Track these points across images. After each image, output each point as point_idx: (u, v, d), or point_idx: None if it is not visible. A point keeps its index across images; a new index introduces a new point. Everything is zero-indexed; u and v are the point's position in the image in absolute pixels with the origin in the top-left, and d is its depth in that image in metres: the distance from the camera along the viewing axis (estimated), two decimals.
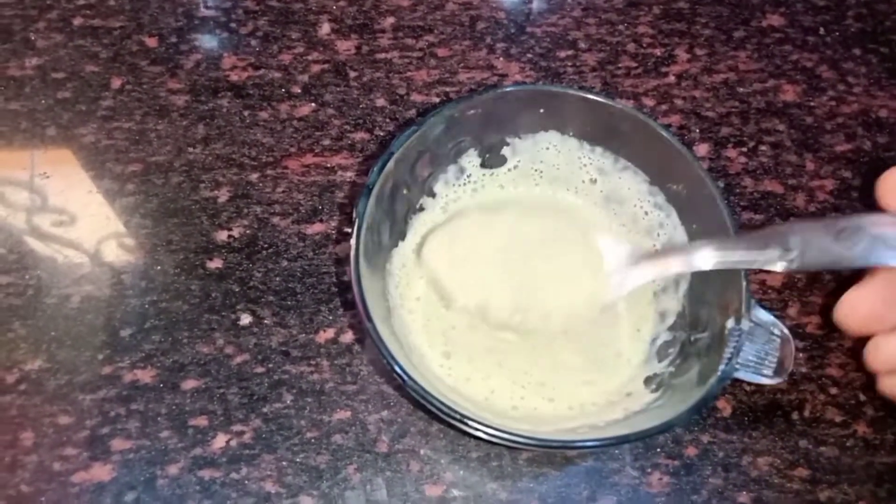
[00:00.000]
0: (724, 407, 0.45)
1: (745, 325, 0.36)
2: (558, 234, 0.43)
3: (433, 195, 0.45)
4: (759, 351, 0.37)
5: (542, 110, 0.43)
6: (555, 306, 0.41)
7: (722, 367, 0.35)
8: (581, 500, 0.43)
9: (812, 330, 0.48)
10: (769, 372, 0.38)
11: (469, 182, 0.46)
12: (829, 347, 0.47)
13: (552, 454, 0.44)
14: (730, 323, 0.36)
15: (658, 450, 0.44)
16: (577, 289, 0.42)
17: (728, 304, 0.37)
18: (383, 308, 0.40)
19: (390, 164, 0.38)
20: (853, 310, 0.40)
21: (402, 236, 0.44)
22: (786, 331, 0.38)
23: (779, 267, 0.36)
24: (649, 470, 0.44)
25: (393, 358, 0.34)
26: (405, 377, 0.34)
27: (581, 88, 0.46)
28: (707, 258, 0.38)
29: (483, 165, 0.46)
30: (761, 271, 0.49)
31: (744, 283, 0.37)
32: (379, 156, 0.39)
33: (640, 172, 0.44)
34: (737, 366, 0.36)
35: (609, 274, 0.41)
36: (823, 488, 0.44)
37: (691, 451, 0.44)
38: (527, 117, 0.44)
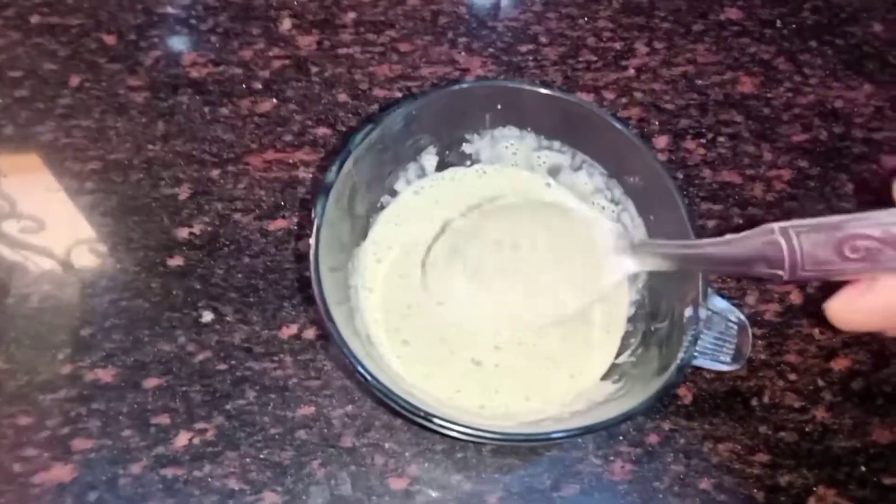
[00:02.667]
0: (685, 395, 0.46)
1: (703, 313, 0.36)
2: (552, 232, 0.40)
3: (394, 193, 0.45)
4: (717, 338, 0.37)
5: (499, 106, 0.44)
6: (552, 313, 0.39)
7: (681, 355, 0.36)
8: (545, 490, 0.43)
9: (770, 318, 0.48)
10: (727, 358, 0.38)
11: (430, 179, 0.46)
12: (787, 334, 0.48)
13: (515, 445, 0.44)
14: (688, 312, 0.37)
15: (620, 438, 0.45)
16: (575, 287, 0.39)
17: (686, 294, 0.38)
18: (345, 306, 0.40)
19: (349, 163, 0.38)
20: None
21: (364, 234, 0.44)
22: (743, 318, 0.39)
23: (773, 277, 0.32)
24: (612, 458, 0.44)
25: (355, 357, 0.34)
26: (367, 377, 0.34)
27: (537, 83, 0.47)
28: (698, 259, 0.35)
29: (443, 163, 0.46)
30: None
31: (700, 273, 0.37)
32: (339, 153, 0.39)
33: (597, 166, 0.45)
34: (695, 354, 0.36)
35: (601, 263, 0.38)
36: (783, 473, 0.44)
37: (653, 439, 0.45)
38: (485, 113, 0.44)
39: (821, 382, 0.47)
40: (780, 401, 0.46)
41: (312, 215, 0.37)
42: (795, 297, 0.49)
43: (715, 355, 0.38)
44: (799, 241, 0.30)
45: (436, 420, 0.34)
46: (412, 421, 0.39)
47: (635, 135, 0.42)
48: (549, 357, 0.42)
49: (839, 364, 0.47)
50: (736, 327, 0.38)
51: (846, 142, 0.55)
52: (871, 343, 0.48)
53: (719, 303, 0.38)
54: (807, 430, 0.46)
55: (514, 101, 0.43)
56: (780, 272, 0.31)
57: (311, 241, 0.36)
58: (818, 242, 0.30)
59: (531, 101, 0.43)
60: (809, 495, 0.44)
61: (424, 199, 0.46)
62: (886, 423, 0.46)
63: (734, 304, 0.40)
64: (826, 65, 0.58)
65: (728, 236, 0.33)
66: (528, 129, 0.45)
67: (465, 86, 0.43)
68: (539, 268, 0.39)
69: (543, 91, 0.43)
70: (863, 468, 0.45)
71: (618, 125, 0.41)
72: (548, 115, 0.44)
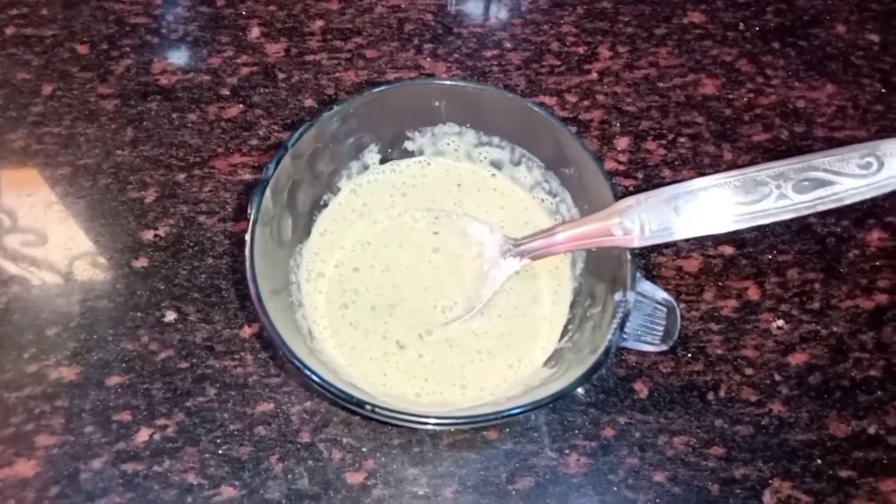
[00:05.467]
0: (641, 389, 0.46)
1: (631, 296, 0.37)
2: (446, 242, 0.46)
3: (337, 190, 0.46)
4: (646, 320, 0.38)
5: (436, 103, 0.45)
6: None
7: (609, 336, 0.36)
8: (500, 483, 0.44)
9: (728, 313, 0.49)
10: (656, 340, 0.39)
11: (371, 174, 0.48)
12: (744, 329, 0.48)
13: (472, 439, 0.45)
14: (618, 295, 0.38)
15: (576, 431, 0.45)
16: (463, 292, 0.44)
17: (617, 278, 0.38)
18: (286, 301, 0.41)
19: (286, 160, 0.39)
20: None
21: (308, 232, 0.45)
22: (670, 299, 0.39)
23: (626, 241, 0.38)
24: (567, 451, 0.45)
25: (288, 349, 0.35)
26: (298, 364, 0.35)
27: (470, 80, 0.48)
28: (561, 241, 0.41)
29: (385, 160, 0.47)
30: (678, 257, 0.50)
31: (628, 256, 0.38)
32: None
33: (535, 159, 0.46)
34: (624, 335, 0.37)
35: (486, 270, 0.44)
36: (738, 466, 0.45)
37: (608, 433, 0.45)
38: (424, 111, 0.45)
39: (778, 377, 0.47)
40: (736, 395, 0.47)
41: (248, 210, 0.37)
42: (753, 293, 0.49)
43: (644, 337, 0.38)
44: (642, 207, 0.38)
45: (367, 406, 0.34)
46: (349, 410, 0.39)
47: (562, 123, 0.42)
48: (482, 351, 0.43)
49: (796, 359, 0.48)
50: (665, 309, 0.39)
51: (807, 141, 0.55)
52: (828, 338, 0.49)
53: (647, 286, 0.39)
54: (763, 423, 0.46)
55: (451, 98, 0.44)
56: (632, 236, 0.38)
57: (247, 236, 0.37)
58: (658, 206, 0.38)
59: (465, 98, 0.44)
60: (765, 488, 0.44)
61: (364, 196, 0.47)
62: (843, 416, 0.47)
63: (683, 301, 0.41)
64: (788, 66, 0.58)
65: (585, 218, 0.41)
66: (468, 125, 0.46)
67: (398, 85, 0.44)
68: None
69: (475, 87, 0.44)
70: (819, 461, 0.45)
71: (549, 117, 0.42)
72: (484, 112, 0.45)
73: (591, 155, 0.41)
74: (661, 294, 0.39)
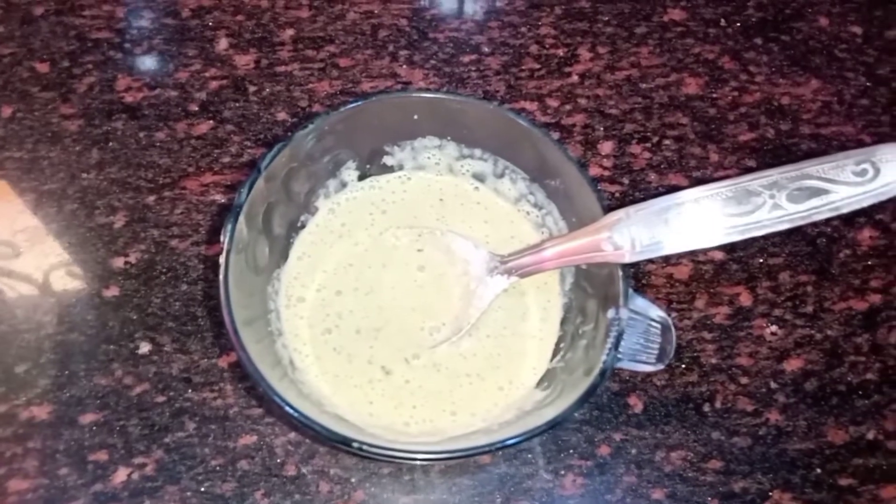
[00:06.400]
0: (636, 403, 0.45)
1: (624, 313, 0.36)
2: (431, 262, 0.44)
3: (314, 211, 0.45)
4: (640, 339, 0.37)
5: (415, 116, 0.43)
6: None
7: (603, 357, 0.35)
8: None
9: (721, 320, 0.48)
10: (651, 359, 0.37)
11: (349, 191, 0.46)
12: (737, 337, 0.47)
13: (464, 464, 0.43)
14: (611, 313, 0.36)
15: (571, 451, 0.44)
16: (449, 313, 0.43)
17: (609, 295, 0.37)
18: (264, 331, 0.39)
19: (259, 183, 0.37)
20: None
21: (285, 256, 0.43)
22: (665, 316, 0.38)
23: (617, 257, 0.37)
24: (563, 472, 0.43)
25: (268, 384, 0.34)
26: (281, 401, 0.34)
27: (450, 91, 0.46)
28: (549, 257, 0.40)
29: (364, 177, 0.46)
30: (668, 264, 0.49)
31: (620, 272, 0.36)
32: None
33: (519, 171, 0.44)
34: (619, 356, 0.35)
35: (473, 288, 0.42)
36: (737, 479, 0.44)
37: (604, 451, 0.44)
38: (402, 125, 0.44)
39: (773, 384, 0.46)
40: (732, 405, 0.46)
41: (221, 238, 0.36)
42: (745, 300, 0.48)
43: (639, 356, 0.37)
44: (632, 220, 0.37)
45: (354, 444, 0.33)
46: (335, 448, 0.38)
47: (547, 134, 0.41)
48: (471, 374, 0.41)
49: (791, 365, 0.47)
50: (660, 327, 0.38)
51: (794, 139, 0.54)
52: (823, 342, 0.48)
53: (641, 302, 0.37)
54: (760, 433, 0.45)
55: (431, 110, 0.43)
56: (623, 251, 0.36)
57: (221, 261, 0.35)
58: (648, 219, 0.36)
59: (444, 110, 0.42)
60: (765, 500, 0.44)
61: (343, 216, 0.45)
62: (841, 423, 0.46)
63: (674, 310, 0.39)
64: (772, 62, 0.57)
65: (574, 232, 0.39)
66: (448, 138, 0.44)
67: (375, 99, 0.42)
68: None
69: (452, 98, 0.42)
70: (818, 470, 0.44)
71: (531, 128, 0.41)
72: (464, 124, 0.43)
73: (577, 166, 0.40)
74: (656, 311, 0.37)
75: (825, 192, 0.35)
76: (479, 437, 0.37)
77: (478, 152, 0.45)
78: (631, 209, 0.37)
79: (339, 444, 0.33)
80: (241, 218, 0.37)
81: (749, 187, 0.36)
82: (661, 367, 0.38)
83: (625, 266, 0.37)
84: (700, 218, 0.36)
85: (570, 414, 0.34)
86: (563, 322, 0.43)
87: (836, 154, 0.35)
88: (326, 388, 0.40)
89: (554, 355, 0.42)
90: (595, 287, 0.40)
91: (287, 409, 0.34)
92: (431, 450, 0.34)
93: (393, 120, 0.43)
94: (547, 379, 0.41)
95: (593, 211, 0.39)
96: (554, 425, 0.34)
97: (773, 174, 0.36)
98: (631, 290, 0.37)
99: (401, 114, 0.43)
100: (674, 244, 0.37)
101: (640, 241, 0.37)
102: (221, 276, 0.35)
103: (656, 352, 0.37)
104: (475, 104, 0.42)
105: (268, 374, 0.34)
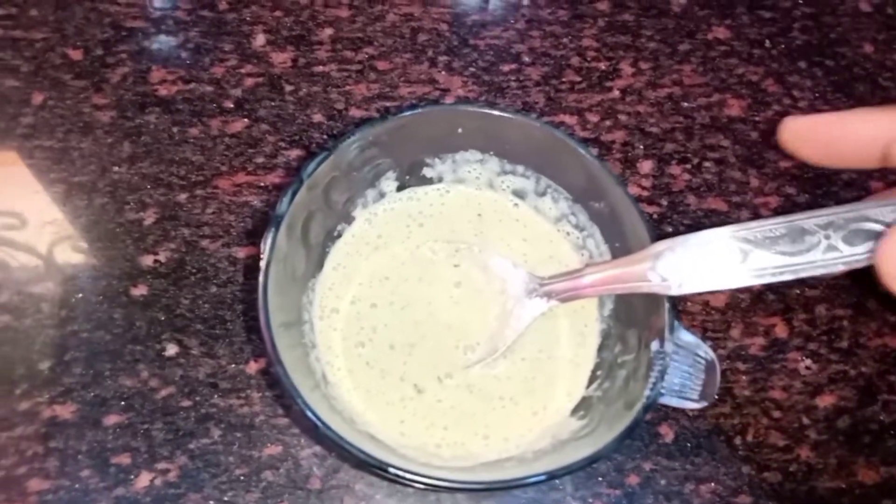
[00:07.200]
0: (667, 433, 0.44)
1: (669, 347, 0.35)
2: (466, 278, 0.43)
3: (351, 220, 0.44)
4: (684, 374, 0.36)
5: (459, 130, 0.42)
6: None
7: (647, 392, 0.34)
8: None
9: (755, 352, 0.47)
10: (695, 395, 0.37)
11: (387, 202, 0.45)
12: (772, 370, 0.47)
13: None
14: (654, 345, 0.35)
15: (600, 479, 0.43)
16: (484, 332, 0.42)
17: (652, 326, 0.36)
18: (298, 343, 0.38)
19: (301, 192, 0.37)
20: None
21: (321, 265, 0.42)
22: (711, 353, 0.37)
23: (664, 289, 0.36)
24: (591, 500, 0.43)
25: (303, 400, 0.33)
26: (316, 421, 0.33)
27: (495, 106, 0.45)
28: (590, 283, 0.39)
29: (403, 188, 0.45)
30: (705, 292, 0.48)
31: (666, 304, 0.36)
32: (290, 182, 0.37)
33: (562, 191, 0.43)
34: (662, 390, 0.35)
35: (510, 308, 0.42)
36: None
37: (633, 480, 0.43)
38: (446, 137, 0.43)
39: (806, 420, 0.46)
40: (764, 439, 0.45)
41: (261, 249, 0.35)
42: (781, 331, 0.48)
43: (682, 392, 0.36)
44: (678, 252, 0.35)
45: (391, 470, 0.32)
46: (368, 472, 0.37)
47: (597, 158, 0.40)
48: (504, 397, 0.41)
49: (825, 401, 0.46)
50: (704, 363, 0.37)
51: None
52: (857, 379, 0.47)
53: (687, 337, 0.37)
54: (791, 469, 0.44)
55: (474, 124, 0.42)
56: (669, 283, 0.35)
57: (260, 278, 0.34)
58: (696, 252, 0.35)
59: (491, 125, 0.41)
60: None
61: (379, 227, 0.44)
62: (872, 462, 0.45)
63: (709, 339, 0.39)
64: (815, 87, 0.56)
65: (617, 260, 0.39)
66: (491, 152, 0.43)
67: (420, 111, 0.41)
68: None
69: (502, 114, 0.41)
70: None
71: (580, 149, 0.40)
72: (509, 139, 0.42)
73: (625, 191, 0.39)
74: (704, 348, 0.36)
75: (883, 235, 0.34)
76: (514, 465, 0.37)
77: (520, 169, 0.44)
78: (679, 239, 0.36)
79: (375, 468, 0.33)
80: (283, 228, 0.36)
81: (804, 225, 0.35)
82: (704, 404, 0.37)
83: (671, 298, 0.36)
84: (750, 255, 0.35)
85: (612, 450, 0.34)
86: (601, 349, 0.42)
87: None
88: (359, 403, 0.40)
89: (590, 382, 0.41)
90: (636, 316, 0.39)
91: (325, 430, 0.33)
92: (469, 479, 0.34)
93: (437, 132, 0.42)
94: (583, 408, 0.40)
95: (641, 239, 0.38)
96: (594, 461, 0.33)
97: (829, 214, 0.35)
98: (677, 323, 0.36)
99: (446, 126, 0.42)
100: (722, 281, 0.36)
101: (687, 274, 0.36)
102: (261, 288, 0.34)
103: (699, 389, 0.36)
104: (523, 122, 0.41)
105: (302, 387, 0.33)
